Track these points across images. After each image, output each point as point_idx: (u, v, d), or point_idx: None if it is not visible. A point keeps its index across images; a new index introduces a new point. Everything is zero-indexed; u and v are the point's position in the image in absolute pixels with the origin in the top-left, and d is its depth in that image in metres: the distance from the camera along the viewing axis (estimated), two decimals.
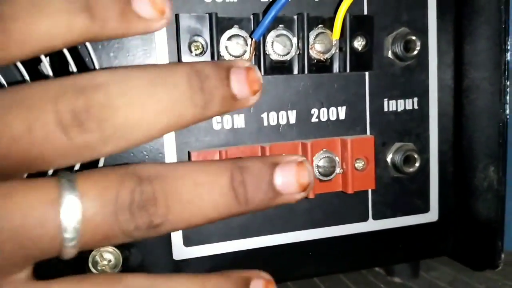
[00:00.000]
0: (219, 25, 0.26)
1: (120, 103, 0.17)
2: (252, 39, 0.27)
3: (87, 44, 0.26)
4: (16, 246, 0.17)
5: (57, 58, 0.27)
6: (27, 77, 0.24)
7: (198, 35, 0.27)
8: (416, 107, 0.31)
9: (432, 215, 0.33)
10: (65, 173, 0.18)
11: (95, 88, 0.17)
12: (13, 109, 0.17)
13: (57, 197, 0.17)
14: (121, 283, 0.19)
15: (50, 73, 0.25)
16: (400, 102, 0.31)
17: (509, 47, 0.30)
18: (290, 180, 0.20)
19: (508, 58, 0.30)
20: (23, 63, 0.24)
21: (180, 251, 0.28)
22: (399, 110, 0.31)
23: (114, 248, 0.26)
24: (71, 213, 0.17)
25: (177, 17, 0.26)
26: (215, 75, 0.19)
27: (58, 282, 0.19)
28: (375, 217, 0.31)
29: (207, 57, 0.27)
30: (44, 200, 0.17)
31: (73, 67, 0.26)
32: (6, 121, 0.16)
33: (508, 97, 0.31)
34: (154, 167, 0.19)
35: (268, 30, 0.27)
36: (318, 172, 0.28)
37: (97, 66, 0.26)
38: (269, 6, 0.27)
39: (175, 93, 0.18)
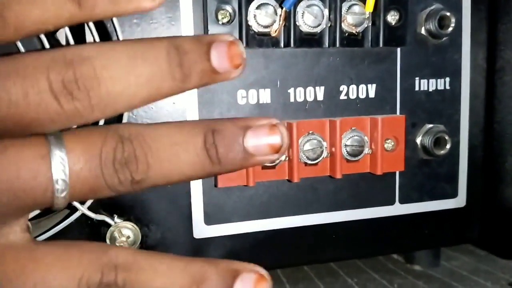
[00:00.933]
0: None
1: (104, 75, 0.19)
2: (282, 8, 0.26)
3: None
4: (11, 197, 0.18)
5: None
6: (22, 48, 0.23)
7: (226, 3, 0.25)
8: (447, 87, 0.30)
9: (459, 201, 0.31)
10: (53, 132, 0.19)
11: (81, 61, 0.19)
12: (11, 77, 0.18)
13: (47, 153, 0.19)
14: (106, 254, 0.20)
15: (70, 37, 0.24)
16: (432, 81, 0.30)
17: None
18: (261, 142, 0.21)
19: None
20: None
21: (201, 229, 0.27)
22: (430, 90, 0.30)
23: (133, 224, 0.25)
24: (60, 167, 0.19)
25: None
26: (195, 50, 0.20)
27: (47, 244, 0.20)
28: (402, 201, 0.30)
29: (234, 26, 0.26)
30: (35, 155, 0.18)
31: (93, 32, 0.24)
32: (5, 87, 0.18)
33: None
34: (135, 127, 0.21)
35: (299, 0, 0.26)
36: (346, 152, 0.27)
37: (119, 32, 0.25)
38: None
39: (154, 68, 0.20)
